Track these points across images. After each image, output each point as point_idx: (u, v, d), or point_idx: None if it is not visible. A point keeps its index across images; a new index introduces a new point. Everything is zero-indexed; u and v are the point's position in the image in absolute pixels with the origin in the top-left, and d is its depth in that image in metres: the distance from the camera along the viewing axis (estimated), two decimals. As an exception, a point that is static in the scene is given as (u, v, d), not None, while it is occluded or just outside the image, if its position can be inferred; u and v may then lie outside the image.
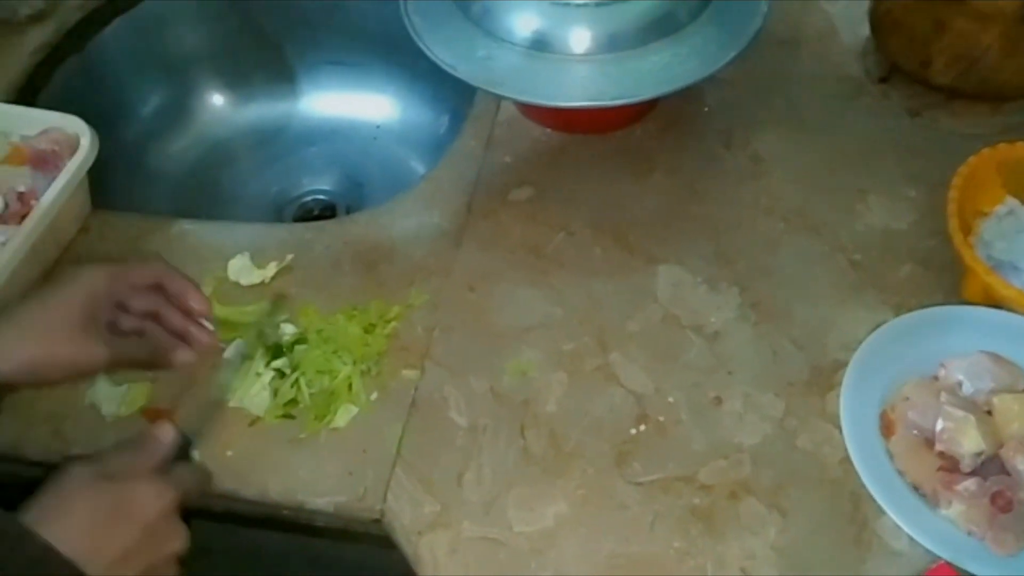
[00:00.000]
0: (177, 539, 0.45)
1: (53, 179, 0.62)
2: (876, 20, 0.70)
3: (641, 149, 0.71)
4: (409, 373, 0.58)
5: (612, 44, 0.62)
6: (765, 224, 0.66)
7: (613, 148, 0.71)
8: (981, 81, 0.65)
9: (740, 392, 0.57)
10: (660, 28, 0.62)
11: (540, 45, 0.62)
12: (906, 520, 0.49)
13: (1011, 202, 0.63)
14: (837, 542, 0.50)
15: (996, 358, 0.54)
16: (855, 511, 0.51)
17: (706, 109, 0.74)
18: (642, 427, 0.55)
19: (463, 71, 0.62)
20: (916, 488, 0.51)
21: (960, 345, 0.56)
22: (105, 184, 0.70)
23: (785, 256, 0.64)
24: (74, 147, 0.64)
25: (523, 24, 0.62)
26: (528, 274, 0.63)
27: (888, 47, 0.69)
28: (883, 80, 0.73)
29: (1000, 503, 0.49)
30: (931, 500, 0.50)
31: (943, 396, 0.53)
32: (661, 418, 0.56)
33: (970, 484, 0.50)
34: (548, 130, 0.73)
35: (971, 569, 0.47)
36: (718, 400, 0.57)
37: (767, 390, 0.57)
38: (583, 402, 0.56)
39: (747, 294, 0.62)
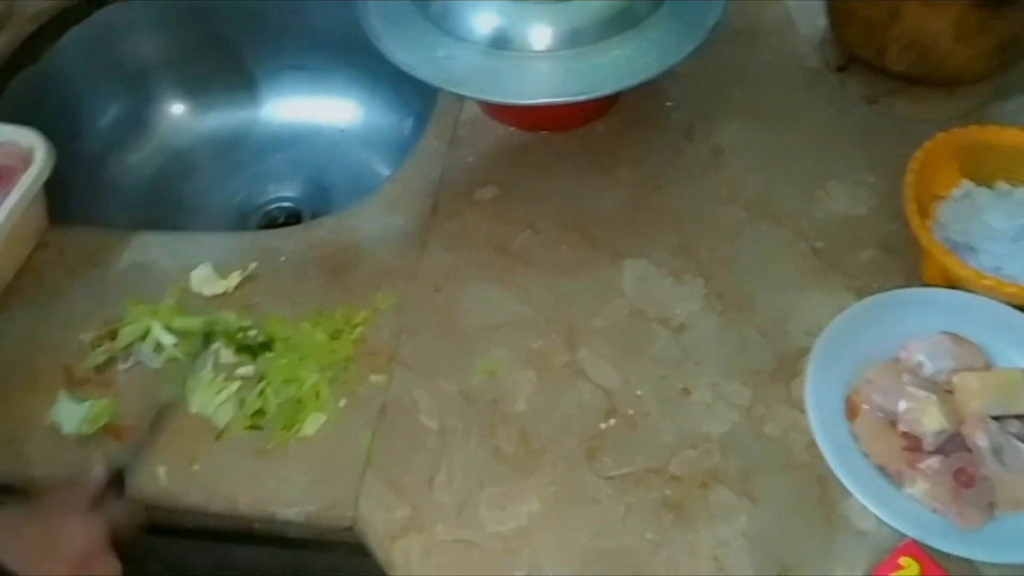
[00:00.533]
0: (109, 573, 0.45)
1: (7, 194, 0.61)
2: (833, 10, 0.71)
3: (604, 144, 0.72)
4: (377, 378, 0.58)
5: (572, 40, 0.61)
6: (727, 214, 0.66)
7: (576, 144, 0.71)
8: (935, 67, 0.65)
9: (707, 382, 0.57)
10: (620, 23, 0.62)
11: (500, 43, 0.62)
12: (872, 501, 0.49)
13: (966, 185, 0.64)
14: (806, 526, 0.51)
15: (955, 338, 0.55)
16: (823, 494, 0.52)
17: (668, 103, 0.74)
18: (611, 421, 0.56)
19: (423, 72, 0.61)
20: (882, 469, 0.52)
21: (920, 327, 0.56)
22: (63, 198, 0.69)
23: (748, 245, 0.64)
24: (28, 161, 0.63)
25: (482, 22, 0.62)
26: (494, 273, 0.63)
27: (844, 37, 0.70)
28: (841, 69, 0.74)
29: (963, 479, 0.49)
30: (896, 480, 0.51)
31: (905, 377, 0.53)
32: (630, 412, 0.56)
33: (933, 462, 0.50)
34: (512, 128, 0.73)
35: (937, 545, 0.48)
36: (686, 391, 0.57)
37: (734, 379, 0.57)
38: (552, 399, 0.57)
39: (712, 285, 0.62)
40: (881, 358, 0.56)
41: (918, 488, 0.50)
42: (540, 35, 0.62)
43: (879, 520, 0.49)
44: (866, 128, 0.71)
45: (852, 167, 0.68)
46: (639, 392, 0.57)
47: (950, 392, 0.53)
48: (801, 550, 0.50)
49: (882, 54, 0.66)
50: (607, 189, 0.68)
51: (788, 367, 0.57)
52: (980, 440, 0.51)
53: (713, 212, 0.67)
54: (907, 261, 0.61)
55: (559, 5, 0.62)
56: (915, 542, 0.47)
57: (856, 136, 0.70)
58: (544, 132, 0.72)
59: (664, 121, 0.73)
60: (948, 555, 0.48)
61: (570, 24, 0.62)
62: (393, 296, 0.62)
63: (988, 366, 0.54)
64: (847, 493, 0.50)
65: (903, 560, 0.46)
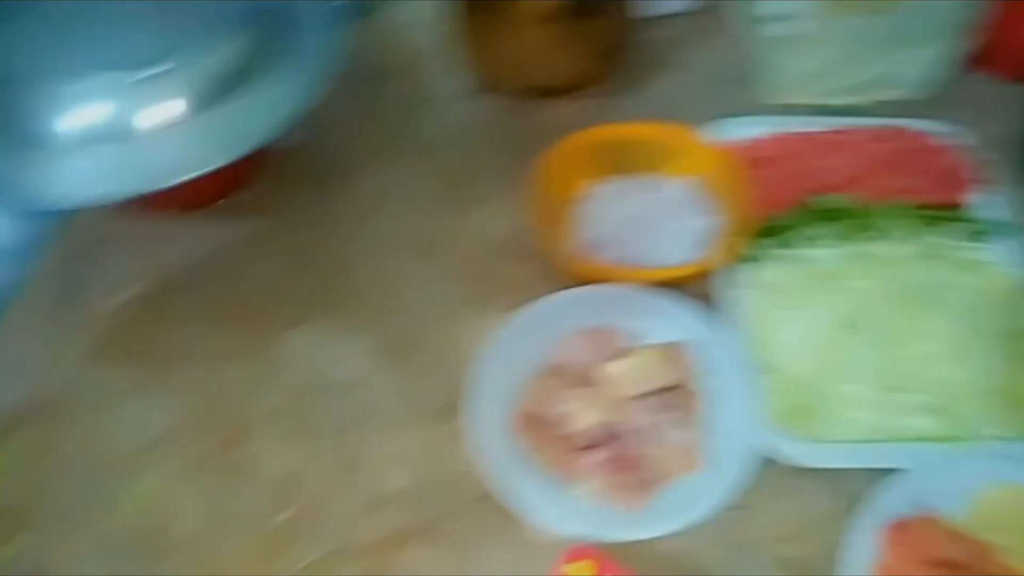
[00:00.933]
0: None
1: None
2: (458, 39, 0.73)
3: (254, 211, 0.69)
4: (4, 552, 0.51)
5: (188, 110, 0.56)
6: (389, 260, 0.66)
7: (224, 218, 0.69)
8: (552, 79, 0.70)
9: (383, 438, 0.57)
10: (225, 86, 0.58)
11: (96, 135, 0.56)
12: (540, 511, 0.51)
13: (593, 184, 0.68)
14: (502, 552, 0.51)
15: (595, 331, 0.59)
16: (508, 518, 0.52)
17: (313, 155, 0.73)
18: (289, 511, 0.53)
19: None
20: (556, 476, 0.53)
21: (569, 328, 0.59)
22: None
23: (411, 286, 0.65)
24: None
25: (70, 119, 0.56)
26: (141, 384, 0.59)
27: (471, 62, 0.73)
28: (476, 93, 0.76)
29: (621, 464, 0.52)
30: (569, 483, 0.53)
31: (558, 382, 0.56)
32: (307, 494, 0.54)
33: (594, 456, 0.53)
34: (151, 218, 0.68)
35: (607, 537, 0.50)
36: (358, 458, 0.56)
37: (410, 427, 0.57)
38: (222, 507, 0.53)
39: (381, 336, 0.62)
40: (537, 367, 0.58)
41: (586, 486, 0.53)
42: (142, 115, 0.54)
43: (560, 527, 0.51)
44: (508, 145, 0.73)
45: (499, 186, 0.70)
46: (314, 469, 0.55)
47: (600, 385, 0.56)
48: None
49: (500, 74, 0.69)
50: (262, 259, 0.66)
51: (460, 400, 0.57)
52: (626, 423, 0.54)
53: (375, 260, 0.66)
54: (556, 270, 0.64)
55: (147, 83, 0.56)
56: (587, 541, 0.49)
57: (500, 155, 0.73)
58: (185, 213, 0.68)
59: (313, 175, 0.72)
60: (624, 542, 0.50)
61: (172, 95, 0.55)
62: (19, 448, 0.55)
63: (630, 351, 0.58)
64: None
65: (576, 563, 0.48)
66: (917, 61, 0.74)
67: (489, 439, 0.53)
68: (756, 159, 0.68)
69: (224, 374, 0.59)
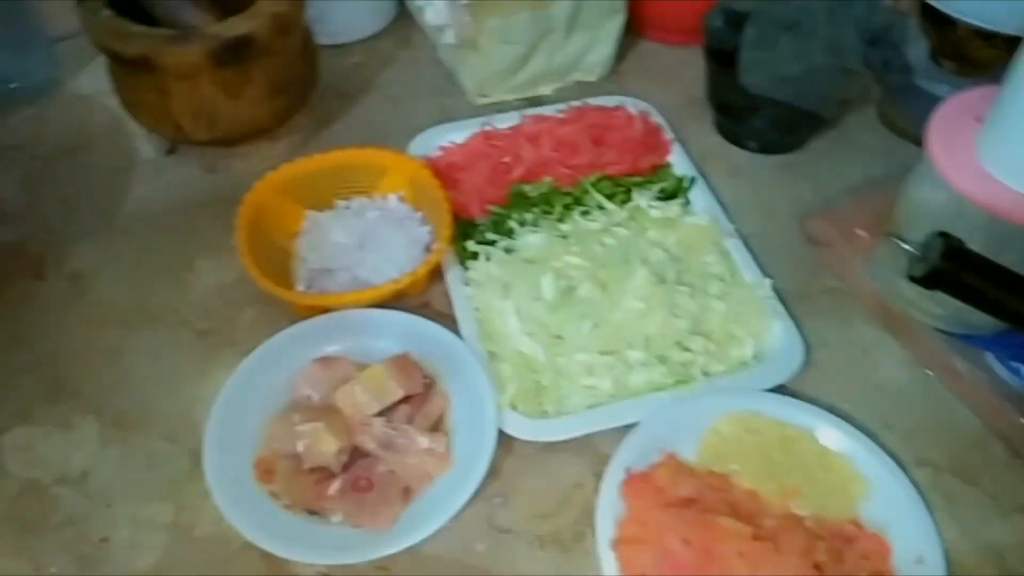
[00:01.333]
0: None
1: None
2: (124, 103, 0.70)
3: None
4: None
5: None
6: (104, 337, 0.63)
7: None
8: (235, 124, 0.68)
9: (126, 519, 0.54)
10: None
11: None
12: (299, 550, 0.50)
13: (310, 215, 0.68)
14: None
15: (325, 360, 0.58)
16: (270, 569, 0.51)
17: (18, 247, 0.68)
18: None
19: None
20: (308, 513, 0.53)
21: (301, 362, 0.59)
22: None
23: (134, 358, 0.62)
24: None
25: None
26: None
27: (147, 123, 0.70)
28: (171, 152, 0.74)
29: (362, 485, 0.52)
30: (324, 517, 0.52)
31: (296, 417, 0.55)
32: (54, 591, 0.50)
33: (337, 484, 0.53)
34: None
35: (352, 560, 0.50)
36: (105, 540, 0.53)
37: (153, 501, 0.55)
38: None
39: (105, 416, 0.59)
40: (277, 409, 0.57)
41: (338, 514, 0.52)
42: None
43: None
44: (215, 196, 0.72)
45: (215, 238, 0.68)
46: (54, 569, 0.51)
47: (338, 412, 0.56)
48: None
49: (182, 129, 0.67)
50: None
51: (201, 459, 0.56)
52: (369, 442, 0.54)
53: (87, 341, 0.63)
54: (288, 307, 0.63)
55: None
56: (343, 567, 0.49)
57: (210, 207, 0.71)
58: None
59: (22, 267, 0.67)
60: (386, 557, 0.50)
61: None
62: None
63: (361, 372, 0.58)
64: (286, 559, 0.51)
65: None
66: (592, 44, 0.80)
67: (227, 492, 0.52)
68: (458, 163, 0.70)
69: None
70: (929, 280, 0.54)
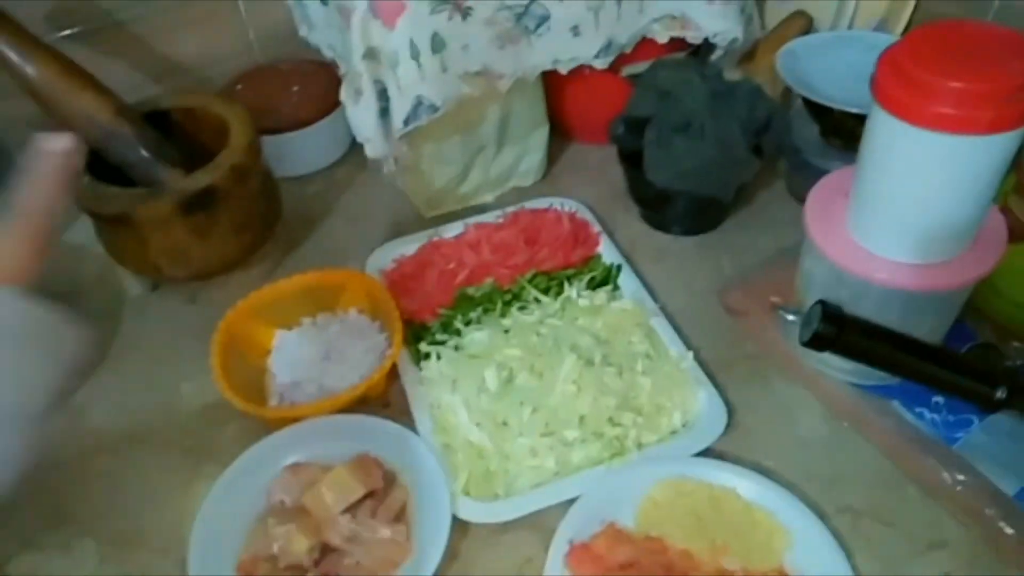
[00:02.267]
0: None
1: None
2: (109, 252, 0.79)
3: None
4: None
5: None
6: (97, 464, 0.70)
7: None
8: (207, 260, 0.77)
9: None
10: None
11: None
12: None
13: (280, 333, 0.76)
14: None
15: (295, 467, 0.65)
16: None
17: None
18: None
19: None
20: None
21: (275, 469, 0.66)
22: None
23: (125, 481, 0.69)
24: None
25: None
26: None
27: (130, 267, 0.79)
28: (155, 288, 0.83)
29: (330, 579, 0.58)
30: (298, 609, 0.59)
31: (271, 521, 0.62)
32: None
33: (307, 580, 0.59)
34: None
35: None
36: (107, 649, 0.59)
37: (147, 608, 0.61)
38: None
39: (101, 537, 0.65)
40: (255, 512, 0.64)
41: (311, 607, 0.58)
42: None
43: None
44: (198, 326, 0.79)
45: (196, 363, 0.75)
46: None
47: (309, 512, 0.62)
48: None
49: (160, 270, 0.76)
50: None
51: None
52: (336, 538, 0.61)
53: (83, 468, 0.70)
54: (259, 423, 0.70)
55: None
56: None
57: (194, 336, 0.78)
58: None
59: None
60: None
61: None
62: None
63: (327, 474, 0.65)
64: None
65: None
66: (523, 154, 0.89)
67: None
68: (409, 273, 0.79)
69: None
70: (814, 343, 0.60)
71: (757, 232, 0.85)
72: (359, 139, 0.79)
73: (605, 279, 0.79)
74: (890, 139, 0.56)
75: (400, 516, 0.63)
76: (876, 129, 0.57)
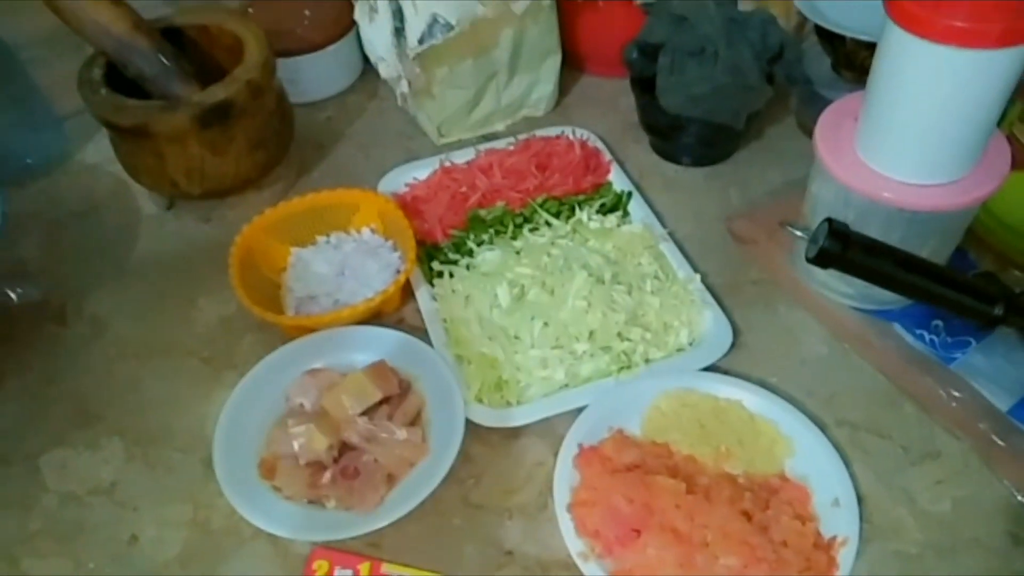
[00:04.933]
0: None
1: None
2: (126, 168, 0.80)
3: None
4: None
5: None
6: (121, 369, 0.72)
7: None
8: (223, 178, 0.78)
9: (151, 519, 0.62)
10: None
11: None
12: (288, 531, 0.58)
13: (295, 251, 0.78)
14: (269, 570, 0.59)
15: (313, 371, 0.67)
16: (275, 549, 0.60)
17: (18, 299, 0.77)
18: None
19: None
20: (308, 503, 0.61)
21: (294, 374, 0.67)
22: None
23: (148, 386, 0.71)
24: None
25: None
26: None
27: (147, 184, 0.80)
28: (170, 207, 0.84)
29: (349, 473, 0.61)
30: (320, 505, 0.61)
31: (291, 422, 0.64)
32: (92, 578, 0.59)
33: (328, 474, 0.61)
34: None
35: (342, 536, 0.58)
36: (134, 538, 0.61)
37: (173, 502, 0.63)
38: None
39: (128, 436, 0.67)
40: (275, 414, 0.66)
41: (332, 501, 0.61)
42: None
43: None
44: (209, 243, 0.81)
45: (211, 279, 0.77)
46: (92, 565, 0.60)
47: (326, 414, 0.65)
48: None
49: (178, 186, 0.77)
50: (8, 398, 0.70)
51: (208, 463, 0.64)
52: (354, 437, 0.63)
53: (108, 373, 0.72)
54: (282, 332, 0.72)
55: None
56: (323, 545, 0.57)
57: (205, 252, 0.80)
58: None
59: (29, 317, 0.76)
60: (364, 536, 0.59)
61: None
62: None
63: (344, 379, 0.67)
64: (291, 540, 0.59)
65: (316, 564, 0.56)
66: (534, 83, 0.90)
67: (236, 488, 0.60)
68: (422, 196, 0.80)
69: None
70: (820, 259, 0.62)
71: (766, 165, 0.87)
72: (373, 59, 0.79)
73: (615, 205, 0.81)
74: (901, 55, 0.57)
75: (416, 420, 0.66)
76: (888, 45, 0.58)
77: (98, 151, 0.91)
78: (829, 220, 0.62)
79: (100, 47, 0.74)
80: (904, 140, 0.61)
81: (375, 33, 0.76)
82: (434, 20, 0.74)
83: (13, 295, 0.78)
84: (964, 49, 0.53)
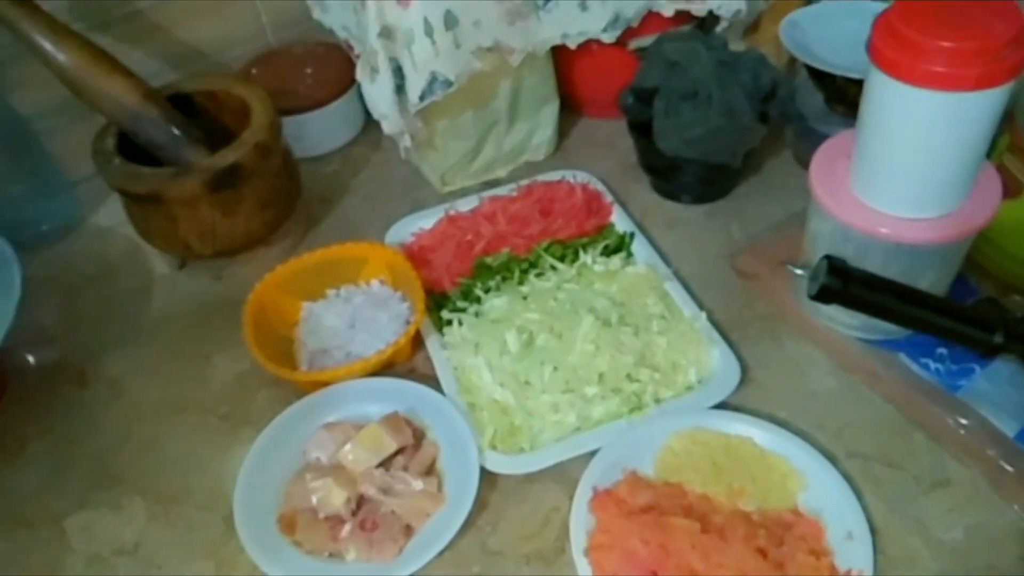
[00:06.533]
0: None
1: None
2: (139, 231, 0.82)
3: (7, 431, 0.74)
4: None
5: None
6: (140, 430, 0.73)
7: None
8: (235, 238, 0.80)
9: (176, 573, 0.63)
10: None
11: None
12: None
13: (306, 305, 0.79)
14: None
15: (330, 426, 0.69)
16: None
17: (60, 360, 0.80)
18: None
19: None
20: (327, 556, 0.62)
21: (311, 429, 0.69)
22: None
23: (167, 445, 0.72)
24: None
25: None
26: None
27: (159, 246, 0.82)
28: (182, 267, 0.86)
29: (368, 526, 0.62)
30: (340, 558, 0.62)
31: (309, 477, 0.65)
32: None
33: (347, 527, 0.62)
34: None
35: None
36: (159, 597, 0.62)
37: (196, 559, 0.64)
38: None
39: (149, 495, 0.68)
40: (293, 469, 0.67)
41: (351, 554, 0.62)
42: None
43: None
44: (223, 300, 0.83)
45: (225, 336, 0.79)
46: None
47: (343, 467, 0.66)
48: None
49: (190, 248, 0.79)
50: (24, 469, 0.71)
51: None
52: (370, 489, 0.64)
53: (129, 434, 0.73)
54: (294, 386, 0.73)
55: None
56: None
57: (219, 309, 0.82)
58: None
59: (49, 381, 0.78)
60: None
61: None
62: None
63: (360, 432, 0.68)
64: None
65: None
66: (534, 129, 0.92)
67: (257, 544, 0.61)
68: (428, 246, 0.82)
69: (19, 565, 0.64)
70: (821, 296, 0.64)
71: (765, 199, 0.88)
72: (376, 116, 0.81)
73: (619, 247, 0.82)
74: (886, 98, 0.59)
75: (431, 470, 0.67)
76: (873, 90, 0.60)
77: (110, 214, 0.93)
78: (828, 257, 0.63)
79: (112, 118, 0.77)
80: (896, 177, 0.63)
81: (377, 91, 0.78)
82: (433, 78, 0.77)
83: (32, 358, 0.80)
84: (945, 92, 0.55)
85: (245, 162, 0.75)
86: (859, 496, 0.63)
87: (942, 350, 0.71)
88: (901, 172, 0.62)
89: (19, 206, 0.89)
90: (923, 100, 0.56)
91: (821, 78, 0.82)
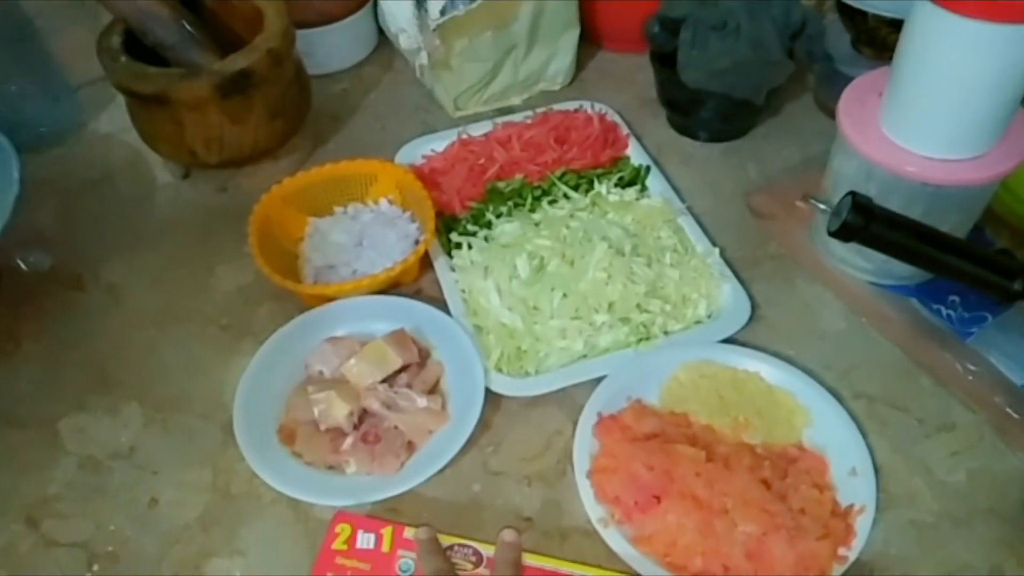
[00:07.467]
0: None
1: None
2: (143, 136, 0.80)
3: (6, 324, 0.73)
4: None
5: None
6: (138, 336, 0.72)
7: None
8: (240, 147, 0.78)
9: (171, 483, 0.63)
10: None
11: None
12: (313, 496, 0.59)
13: (312, 221, 0.78)
14: (293, 546, 0.59)
15: (333, 339, 0.67)
16: (296, 515, 0.60)
17: (57, 265, 0.77)
18: (95, 567, 0.58)
19: None
20: (327, 468, 0.61)
21: (314, 342, 0.68)
22: None
23: (166, 353, 0.71)
24: None
25: None
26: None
27: (164, 152, 0.80)
28: (186, 176, 0.84)
29: (370, 439, 0.61)
30: (339, 471, 0.61)
31: (311, 389, 0.64)
32: (109, 548, 0.59)
33: (349, 439, 0.61)
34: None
35: (365, 500, 0.59)
36: (154, 501, 0.62)
37: (192, 467, 0.63)
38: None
39: (146, 401, 0.67)
40: (294, 382, 0.66)
41: (351, 466, 0.61)
42: None
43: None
44: (226, 211, 0.81)
45: (228, 248, 0.78)
46: (112, 527, 0.60)
47: (346, 382, 0.65)
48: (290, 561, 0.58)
49: (196, 155, 0.77)
50: (17, 369, 0.70)
51: (229, 431, 0.64)
52: (373, 404, 0.63)
53: (127, 340, 0.72)
54: (300, 302, 0.72)
55: None
56: (344, 510, 0.58)
57: (223, 221, 0.80)
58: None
59: (48, 284, 0.76)
60: (385, 501, 0.59)
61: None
62: None
63: (364, 347, 0.67)
64: (312, 504, 0.60)
65: (339, 528, 0.56)
66: (552, 56, 0.90)
67: (257, 454, 0.61)
68: (439, 168, 0.80)
69: (6, 476, 0.63)
70: (843, 233, 0.62)
71: (783, 142, 0.87)
72: (393, 30, 0.79)
73: (633, 179, 0.81)
74: (931, 28, 0.57)
75: (435, 388, 0.66)
76: (917, 19, 0.58)
77: (112, 121, 0.91)
78: (853, 193, 0.62)
79: (120, 15, 0.74)
80: (929, 115, 0.61)
81: (396, 4, 0.75)
82: (456, -10, 0.74)
83: (24, 265, 0.78)
84: (996, 24, 0.53)
85: (257, 68, 0.73)
86: (864, 435, 0.62)
87: (954, 297, 0.70)
88: (935, 109, 0.60)
89: (17, 105, 0.86)
90: (972, 32, 0.54)
91: (852, 16, 0.80)
